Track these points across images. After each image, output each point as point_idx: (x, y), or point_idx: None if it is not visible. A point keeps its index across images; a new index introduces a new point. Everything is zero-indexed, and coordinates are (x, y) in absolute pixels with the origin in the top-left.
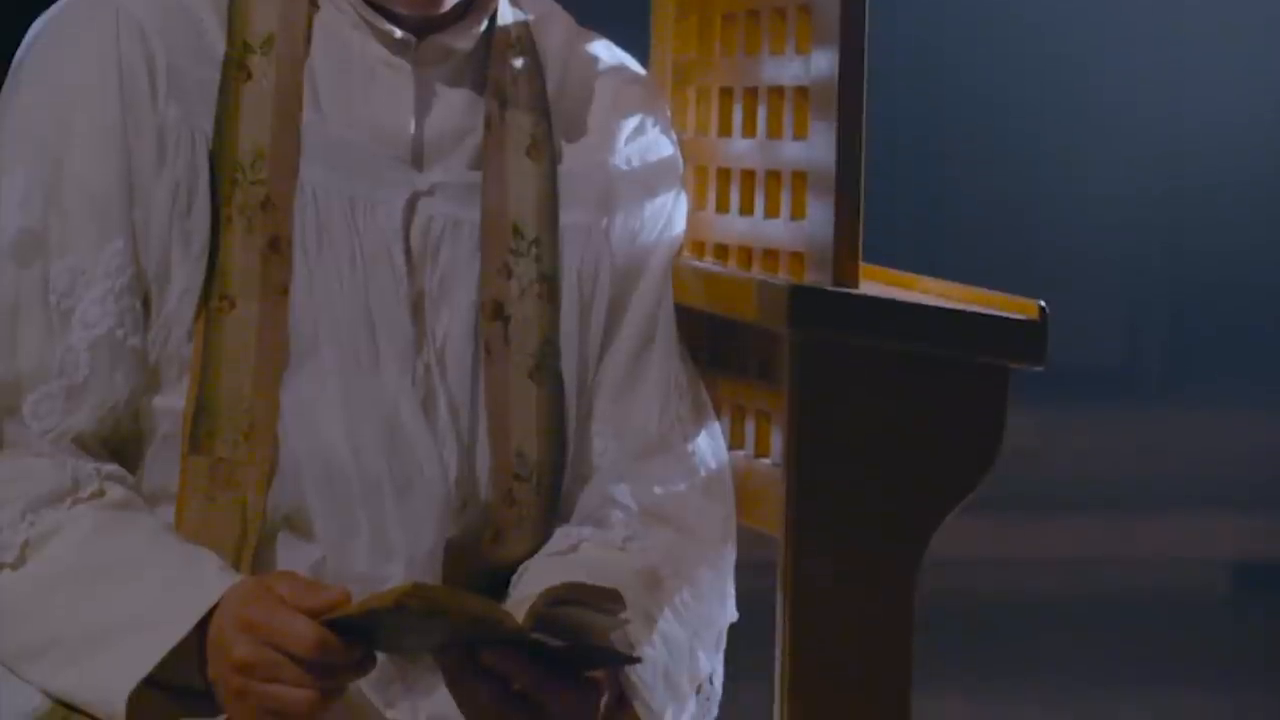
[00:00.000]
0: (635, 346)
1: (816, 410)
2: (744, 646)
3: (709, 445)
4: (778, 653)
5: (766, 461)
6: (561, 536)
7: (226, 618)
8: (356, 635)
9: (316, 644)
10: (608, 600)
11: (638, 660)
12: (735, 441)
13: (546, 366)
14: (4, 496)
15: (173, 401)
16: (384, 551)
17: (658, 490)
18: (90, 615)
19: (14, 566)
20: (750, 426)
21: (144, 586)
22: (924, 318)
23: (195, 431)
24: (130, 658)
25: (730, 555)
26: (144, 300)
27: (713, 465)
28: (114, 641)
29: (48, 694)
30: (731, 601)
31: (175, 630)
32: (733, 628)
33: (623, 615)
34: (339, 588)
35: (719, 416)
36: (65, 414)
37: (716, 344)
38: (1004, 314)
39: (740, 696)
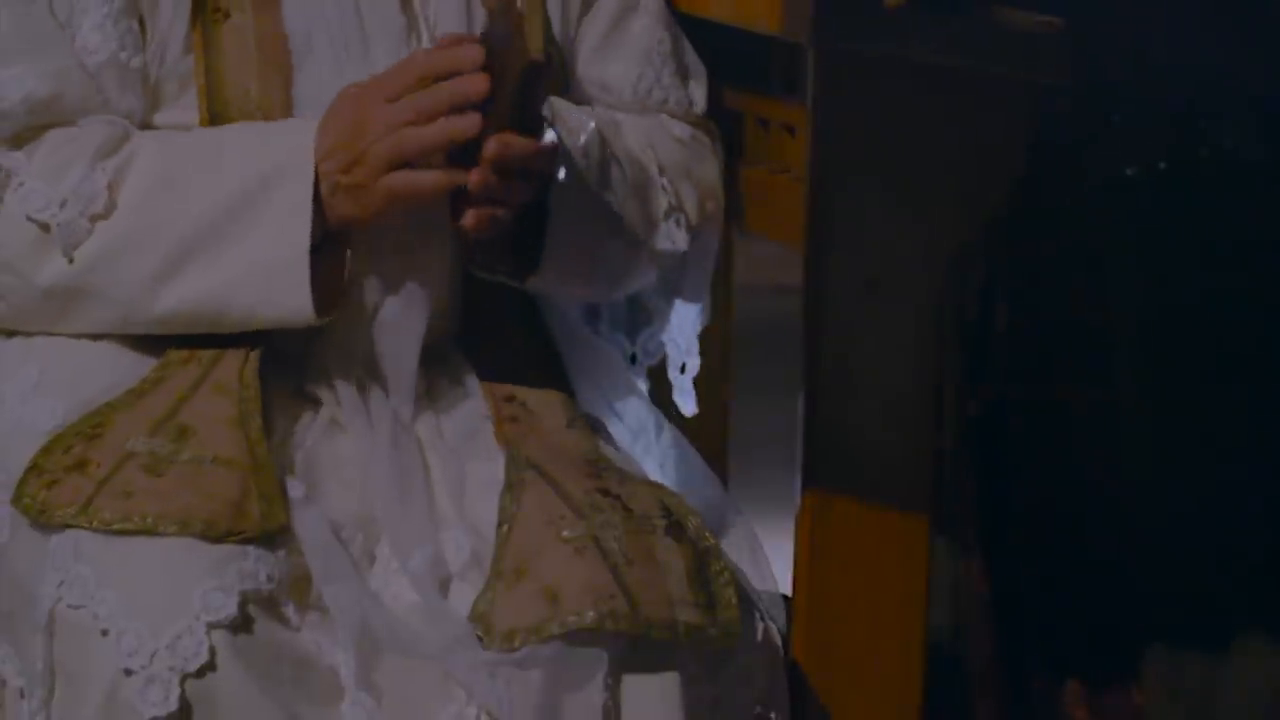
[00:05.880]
0: (615, 10)
1: (839, 124)
2: (767, 367)
3: (691, 107)
4: (800, 373)
5: (789, 175)
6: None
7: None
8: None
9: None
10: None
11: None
12: (758, 155)
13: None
14: (67, 156)
15: (175, 116)
16: None
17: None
18: (204, 201)
19: (106, 213)
20: (774, 141)
21: (237, 157)
22: (948, 30)
23: None
24: (279, 212)
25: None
26: (139, 21)
27: (694, 133)
28: (251, 208)
29: (208, 315)
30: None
31: (301, 174)
32: (754, 351)
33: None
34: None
35: (742, 130)
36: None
37: (740, 57)
38: (1028, 27)
39: (764, 410)
